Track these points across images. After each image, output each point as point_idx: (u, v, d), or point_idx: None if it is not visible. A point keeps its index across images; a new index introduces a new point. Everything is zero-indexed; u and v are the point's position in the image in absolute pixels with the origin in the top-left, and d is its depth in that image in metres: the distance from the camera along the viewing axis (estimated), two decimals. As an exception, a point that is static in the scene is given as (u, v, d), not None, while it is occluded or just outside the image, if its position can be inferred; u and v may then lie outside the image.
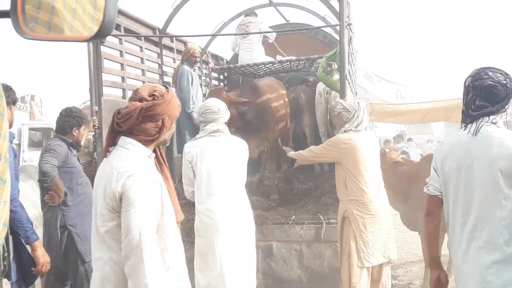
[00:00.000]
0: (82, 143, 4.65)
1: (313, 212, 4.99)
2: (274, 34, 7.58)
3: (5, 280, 3.06)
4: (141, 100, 2.20)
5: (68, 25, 1.08)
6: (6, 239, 3.02)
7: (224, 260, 3.66)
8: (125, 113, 2.19)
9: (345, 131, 4.20)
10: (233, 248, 3.69)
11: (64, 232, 4.06)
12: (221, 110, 3.87)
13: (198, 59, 6.23)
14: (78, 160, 4.30)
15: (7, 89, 3.71)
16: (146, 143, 2.23)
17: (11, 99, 3.56)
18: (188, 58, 6.04)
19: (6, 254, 3.02)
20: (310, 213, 5.00)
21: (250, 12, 7.51)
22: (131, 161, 2.16)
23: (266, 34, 7.48)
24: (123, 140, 2.22)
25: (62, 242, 4.06)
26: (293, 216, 4.88)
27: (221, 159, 3.79)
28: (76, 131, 4.22)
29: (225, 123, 3.94)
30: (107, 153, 2.26)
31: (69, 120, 4.19)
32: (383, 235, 4.16)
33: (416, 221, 5.46)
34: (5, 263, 2.51)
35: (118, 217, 2.11)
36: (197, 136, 3.91)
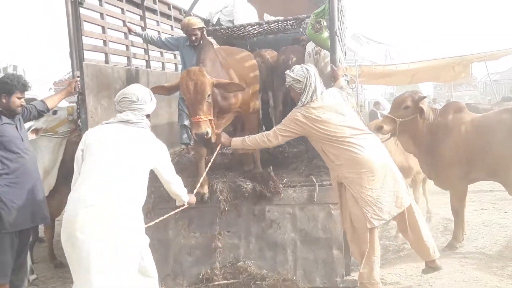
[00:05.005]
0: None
1: (305, 175, 4.90)
2: None
3: None
4: None
5: None
6: None
7: None
8: None
9: (302, 105, 3.92)
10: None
11: None
12: (141, 99, 3.36)
13: (196, 37, 5.28)
14: (17, 128, 4.17)
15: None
16: None
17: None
18: (186, 34, 5.36)
19: None
20: (302, 176, 4.91)
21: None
22: None
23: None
24: None
25: None
26: (285, 179, 4.78)
27: (116, 153, 3.19)
28: (6, 98, 4.14)
29: (148, 116, 3.44)
30: None
31: None
32: (390, 187, 3.92)
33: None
34: None
35: None
36: (107, 121, 3.41)
